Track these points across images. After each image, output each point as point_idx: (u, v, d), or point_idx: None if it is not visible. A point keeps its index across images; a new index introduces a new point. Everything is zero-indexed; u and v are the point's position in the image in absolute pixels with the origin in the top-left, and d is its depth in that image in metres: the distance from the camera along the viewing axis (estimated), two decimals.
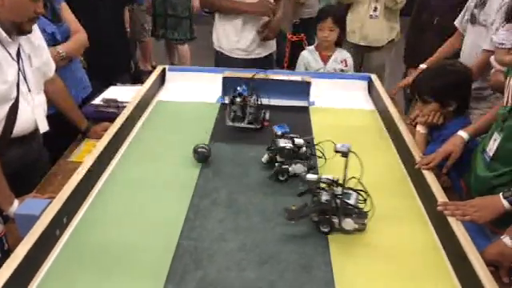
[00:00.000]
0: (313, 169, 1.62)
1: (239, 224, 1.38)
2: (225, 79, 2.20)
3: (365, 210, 1.35)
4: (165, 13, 4.43)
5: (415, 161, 1.62)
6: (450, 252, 1.27)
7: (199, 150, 1.68)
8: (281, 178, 1.59)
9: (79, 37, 2.11)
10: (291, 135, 1.66)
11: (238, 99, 1.91)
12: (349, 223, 1.32)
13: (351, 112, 2.21)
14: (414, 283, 1.18)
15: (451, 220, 1.30)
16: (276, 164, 1.62)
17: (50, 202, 1.31)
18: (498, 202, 1.32)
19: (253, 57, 2.79)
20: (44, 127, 1.70)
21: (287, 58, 3.31)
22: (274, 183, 1.59)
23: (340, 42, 2.65)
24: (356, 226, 1.33)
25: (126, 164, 1.69)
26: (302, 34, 3.42)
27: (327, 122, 2.08)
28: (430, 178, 1.52)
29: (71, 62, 2.12)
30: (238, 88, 1.93)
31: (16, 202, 1.44)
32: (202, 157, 1.68)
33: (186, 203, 1.46)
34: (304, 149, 1.62)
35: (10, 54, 1.51)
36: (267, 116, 2.03)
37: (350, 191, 1.36)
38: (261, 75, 2.26)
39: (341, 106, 2.25)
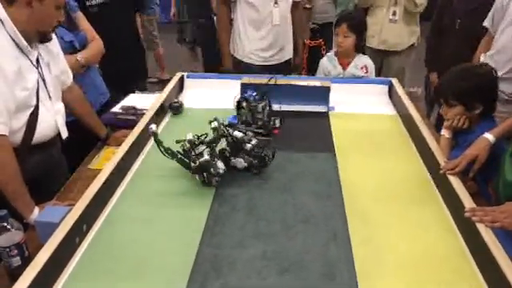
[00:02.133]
0: (262, 166, 1.64)
1: (260, 231, 1.35)
2: (243, 85, 2.19)
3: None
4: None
5: (440, 166, 1.57)
6: (480, 260, 1.22)
7: (173, 104, 2.11)
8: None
9: (96, 44, 2.13)
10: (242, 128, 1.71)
11: (245, 104, 1.91)
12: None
13: (372, 117, 2.17)
14: None
15: (480, 227, 1.25)
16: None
17: (70, 210, 1.30)
18: None
19: (270, 63, 2.78)
20: (64, 134, 1.71)
21: (305, 63, 3.29)
22: (294, 189, 1.56)
23: (360, 48, 2.61)
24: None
25: (146, 171, 1.68)
26: (320, 40, 3.40)
27: (347, 127, 2.04)
28: (455, 183, 1.47)
29: (89, 69, 2.14)
30: (248, 92, 1.92)
31: (36, 210, 1.45)
32: (175, 109, 2.10)
33: (206, 210, 1.44)
34: (249, 145, 1.59)
35: (31, 61, 1.53)
36: (277, 123, 1.99)
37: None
38: (279, 80, 2.24)
39: (361, 110, 2.22)
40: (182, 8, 4.74)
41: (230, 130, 1.62)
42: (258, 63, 2.76)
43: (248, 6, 2.65)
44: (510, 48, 2.25)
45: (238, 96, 1.97)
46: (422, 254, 1.27)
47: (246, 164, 1.61)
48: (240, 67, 2.79)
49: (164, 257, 1.25)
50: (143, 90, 2.69)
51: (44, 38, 1.56)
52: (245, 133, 1.63)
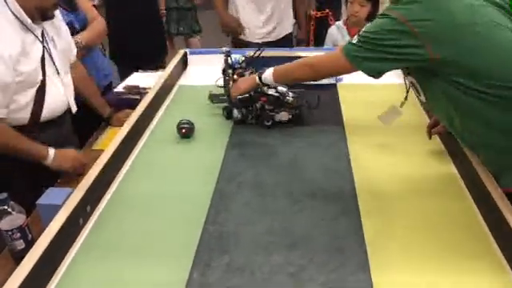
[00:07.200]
0: (298, 118, 1.76)
1: (266, 206, 1.32)
2: (247, 60, 2.12)
3: None
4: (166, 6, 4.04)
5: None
6: (493, 225, 1.18)
7: (183, 125, 1.68)
8: (266, 124, 1.72)
9: (97, 24, 2.08)
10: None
11: (230, 71, 1.85)
12: None
13: (382, 87, 2.08)
14: (457, 263, 1.10)
15: (492, 190, 1.21)
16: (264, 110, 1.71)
17: (73, 191, 1.28)
18: None
19: (270, 39, 2.70)
20: (73, 108, 1.72)
21: (312, 35, 3.20)
22: (301, 163, 1.52)
23: (372, 18, 2.52)
24: None
25: (149, 150, 1.66)
26: (327, 10, 3.30)
27: (356, 98, 1.98)
28: (469, 152, 1.41)
29: (91, 51, 2.10)
30: (233, 59, 1.86)
31: (52, 150, 1.49)
32: (188, 132, 1.68)
33: (211, 187, 1.41)
34: (290, 98, 1.71)
35: (36, 36, 1.52)
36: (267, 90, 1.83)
37: None
38: (286, 53, 2.18)
39: (370, 81, 2.14)
40: None
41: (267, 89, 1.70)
42: (255, 40, 2.69)
43: None
44: None
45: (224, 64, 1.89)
46: (435, 225, 1.22)
47: (290, 116, 1.72)
48: (239, 44, 2.72)
49: (169, 235, 1.23)
50: (163, 67, 2.63)
51: (45, 16, 1.54)
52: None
